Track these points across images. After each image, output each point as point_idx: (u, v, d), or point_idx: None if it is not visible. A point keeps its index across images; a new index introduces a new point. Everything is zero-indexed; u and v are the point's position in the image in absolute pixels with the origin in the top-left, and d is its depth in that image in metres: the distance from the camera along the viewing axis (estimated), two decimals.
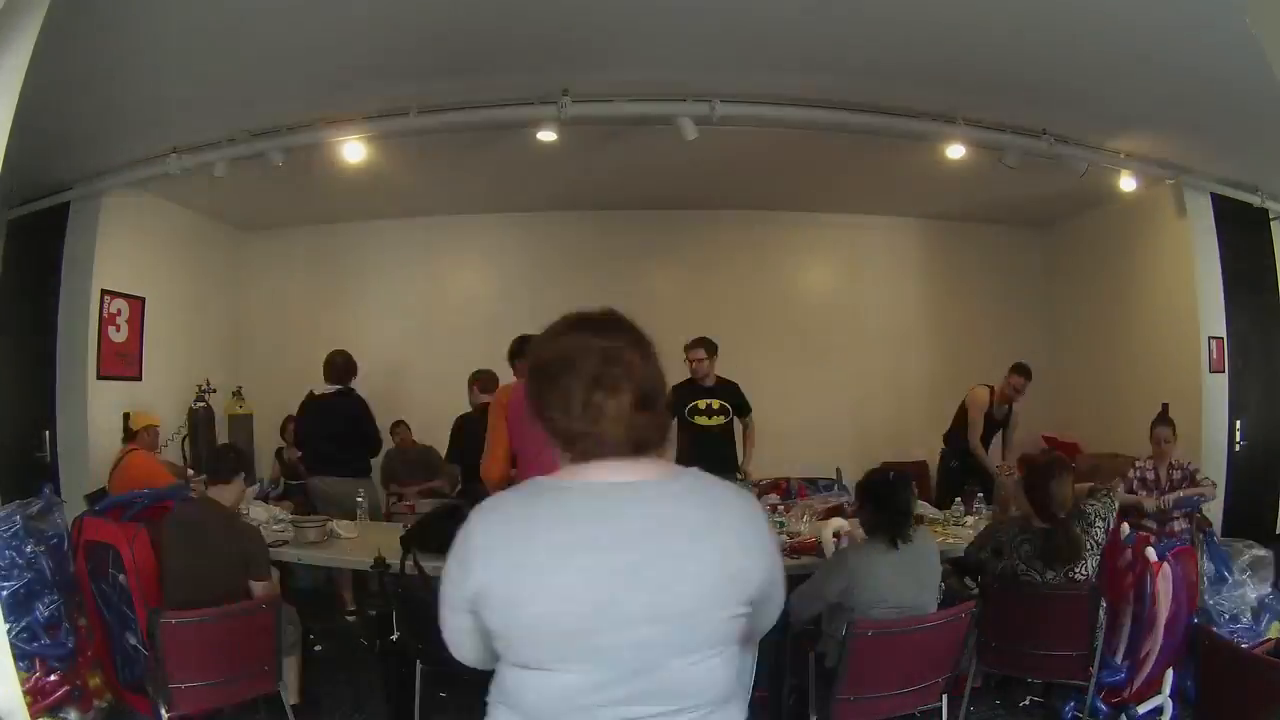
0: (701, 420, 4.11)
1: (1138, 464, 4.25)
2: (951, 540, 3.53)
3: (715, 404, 4.15)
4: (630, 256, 6.35)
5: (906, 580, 2.59)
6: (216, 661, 2.63)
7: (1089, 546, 2.90)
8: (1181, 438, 4.39)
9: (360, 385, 4.55)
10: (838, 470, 5.10)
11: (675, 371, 4.52)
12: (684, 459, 3.47)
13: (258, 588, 2.85)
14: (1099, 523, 2.96)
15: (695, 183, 5.51)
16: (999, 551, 2.98)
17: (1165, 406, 4.99)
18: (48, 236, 4.79)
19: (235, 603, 2.73)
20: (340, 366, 4.50)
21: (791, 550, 3.32)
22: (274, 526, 3.71)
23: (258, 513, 3.79)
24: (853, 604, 2.56)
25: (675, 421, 3.92)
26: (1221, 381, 4.96)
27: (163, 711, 2.58)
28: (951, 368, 6.47)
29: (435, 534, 3.15)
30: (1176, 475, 4.13)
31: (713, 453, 4.03)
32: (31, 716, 1.86)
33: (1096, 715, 2.96)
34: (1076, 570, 2.87)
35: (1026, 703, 3.22)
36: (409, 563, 3.07)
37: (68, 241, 4.81)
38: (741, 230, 6.36)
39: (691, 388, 4.18)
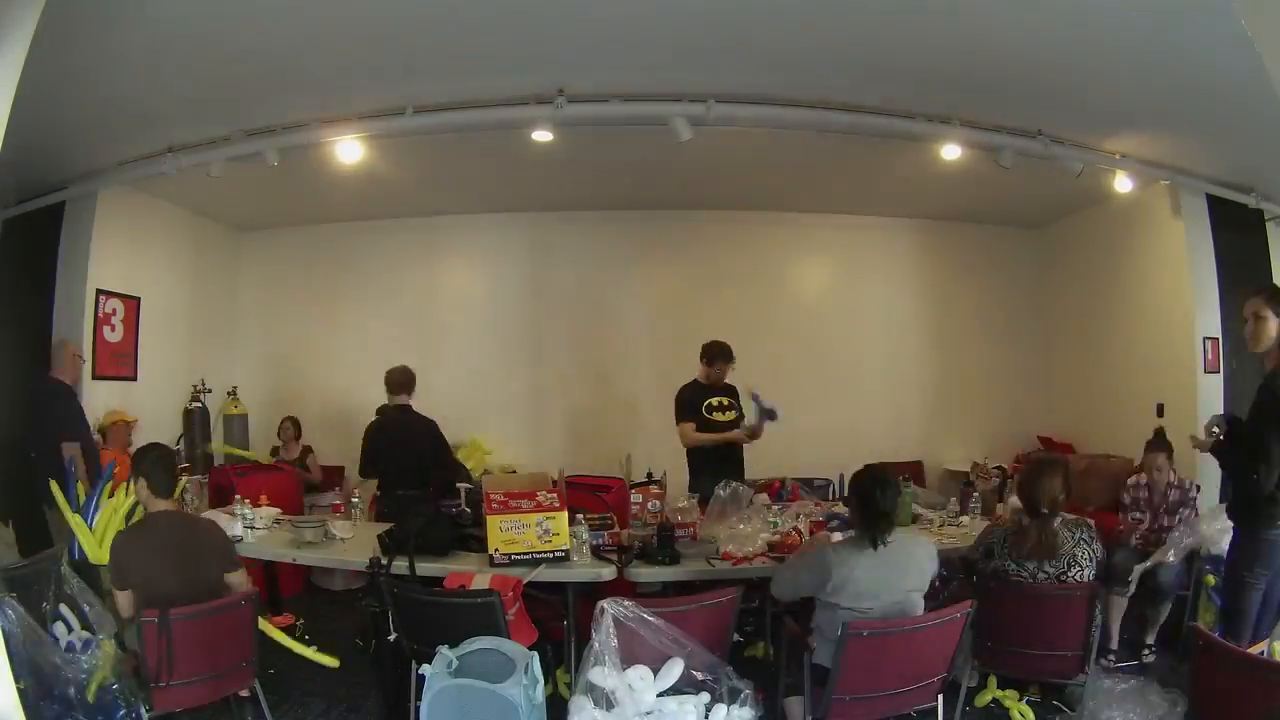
0: (718, 416, 4.41)
1: (1130, 482, 4.08)
2: (947, 541, 3.53)
3: (725, 401, 4.44)
4: (626, 257, 6.36)
5: (888, 578, 2.60)
6: (197, 659, 2.62)
7: (1087, 557, 2.91)
8: (1177, 439, 4.37)
9: (358, 385, 4.54)
10: (841, 476, 5.11)
11: (675, 371, 4.57)
12: (704, 453, 3.32)
13: (235, 579, 2.85)
14: (1094, 544, 2.98)
15: (690, 183, 5.51)
16: (990, 553, 3.02)
17: (1160, 406, 5.01)
18: (43, 236, 4.78)
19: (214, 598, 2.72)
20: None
21: (782, 547, 3.33)
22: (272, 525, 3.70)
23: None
24: (837, 601, 2.58)
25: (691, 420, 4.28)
26: (1216, 382, 4.96)
27: (143, 711, 2.56)
28: (947, 368, 6.49)
29: (420, 536, 3.16)
30: (1174, 495, 3.92)
31: (729, 446, 4.39)
32: None
33: None
34: (1070, 574, 2.89)
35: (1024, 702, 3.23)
36: (404, 564, 3.07)
37: (63, 241, 4.81)
38: (738, 230, 6.36)
39: (705, 388, 4.44)
